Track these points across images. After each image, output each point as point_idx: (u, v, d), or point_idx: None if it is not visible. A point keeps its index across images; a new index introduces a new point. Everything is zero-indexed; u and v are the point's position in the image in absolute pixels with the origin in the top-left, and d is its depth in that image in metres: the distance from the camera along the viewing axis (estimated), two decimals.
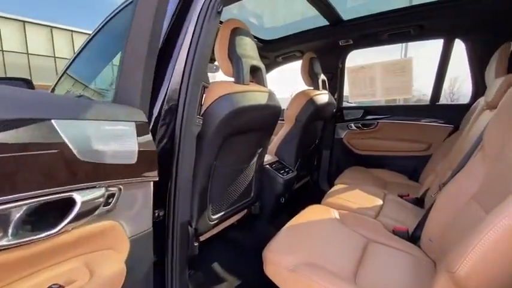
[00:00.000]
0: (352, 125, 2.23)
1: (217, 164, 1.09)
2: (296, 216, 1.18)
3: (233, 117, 0.98)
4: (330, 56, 2.15)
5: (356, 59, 2.29)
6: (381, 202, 1.36)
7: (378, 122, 2.11)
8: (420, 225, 1.06)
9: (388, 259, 0.93)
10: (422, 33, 1.72)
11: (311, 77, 1.85)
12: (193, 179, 0.94)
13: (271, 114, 1.22)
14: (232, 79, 1.07)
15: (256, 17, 2.08)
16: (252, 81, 1.21)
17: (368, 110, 2.18)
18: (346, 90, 2.29)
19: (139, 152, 0.62)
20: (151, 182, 0.67)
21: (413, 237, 1.06)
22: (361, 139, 2.22)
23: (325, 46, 2.06)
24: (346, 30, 1.82)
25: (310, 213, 1.21)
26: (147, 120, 0.66)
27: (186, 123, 0.82)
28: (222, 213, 1.24)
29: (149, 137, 0.67)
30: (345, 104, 2.37)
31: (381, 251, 0.97)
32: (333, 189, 1.53)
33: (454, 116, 1.83)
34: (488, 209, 0.75)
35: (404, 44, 6.21)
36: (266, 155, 1.83)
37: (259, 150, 1.39)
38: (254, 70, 1.18)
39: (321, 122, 2.08)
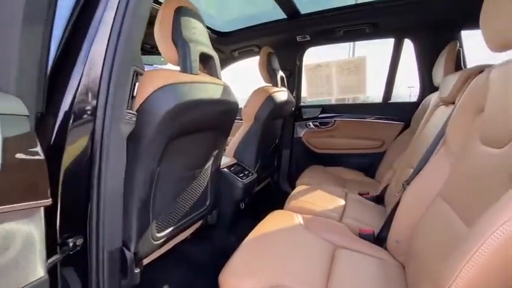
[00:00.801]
0: (311, 123, 2.20)
1: (161, 170, 0.90)
2: (257, 226, 1.05)
3: (178, 114, 0.80)
4: (287, 52, 2.08)
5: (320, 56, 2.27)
6: (343, 202, 1.31)
7: (335, 120, 2.12)
8: (386, 226, 1.02)
9: (357, 266, 0.85)
10: (376, 32, 1.75)
11: (269, 74, 1.74)
12: (127, 192, 0.74)
13: (226, 110, 1.07)
14: (178, 68, 0.89)
15: (210, 7, 1.91)
16: (204, 72, 1.04)
17: (325, 109, 2.17)
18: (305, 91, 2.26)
19: (6, 163, 0.41)
20: (42, 208, 0.45)
21: (380, 239, 1.01)
22: (319, 138, 2.20)
23: (283, 41, 1.98)
24: (303, 25, 1.76)
25: (273, 221, 1.09)
26: (27, 113, 0.44)
27: (110, 120, 0.62)
28: (171, 228, 1.04)
29: (30, 138, 0.46)
30: (303, 103, 2.33)
31: (349, 258, 0.89)
32: (294, 191, 1.44)
33: (404, 113, 1.91)
34: (456, 206, 0.72)
35: (352, 46, 6.58)
36: (223, 157, 1.67)
37: (215, 153, 1.22)
38: (205, 59, 1.01)
39: (280, 120, 1.99)
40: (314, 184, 1.58)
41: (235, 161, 1.64)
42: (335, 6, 1.65)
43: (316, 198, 1.34)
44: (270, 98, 1.59)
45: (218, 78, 1.05)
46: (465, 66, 1.40)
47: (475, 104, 0.73)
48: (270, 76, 1.74)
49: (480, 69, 0.89)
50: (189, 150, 1.02)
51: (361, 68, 1.99)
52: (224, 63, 2.35)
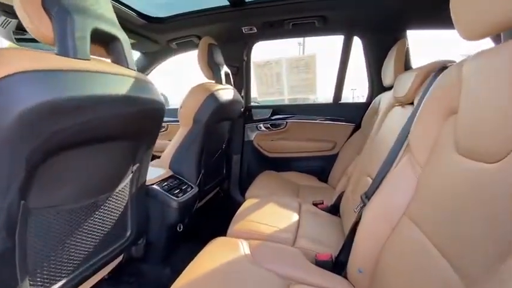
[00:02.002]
0: (262, 125, 2.02)
1: (30, 204, 0.59)
2: (192, 262, 0.81)
3: (50, 115, 0.52)
4: (233, 45, 1.86)
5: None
6: (296, 217, 1.14)
7: (286, 122, 1.97)
8: (345, 248, 0.87)
9: None
10: (325, 27, 1.64)
11: (211, 68, 1.50)
12: None
13: (142, 112, 0.79)
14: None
15: None
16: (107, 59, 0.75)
17: (277, 109, 2.01)
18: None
19: None
20: None
21: (338, 265, 0.86)
22: (271, 141, 2.03)
23: (227, 32, 1.75)
24: (249, 15, 1.56)
25: (212, 253, 0.85)
26: None
27: None
28: (63, 282, 0.73)
29: None
30: (256, 103, 2.14)
31: None
32: (242, 208, 1.22)
33: (355, 114, 1.86)
34: (427, 230, 0.58)
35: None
36: (157, 169, 1.38)
37: (135, 167, 0.93)
38: (106, 39, 0.72)
39: (228, 122, 1.76)
40: (265, 195, 1.39)
41: (171, 173, 1.35)
42: None
43: (266, 214, 1.14)
44: (211, 97, 1.35)
45: (129, 67, 0.77)
46: (410, 66, 1.36)
47: (445, 105, 0.61)
48: (212, 71, 1.50)
49: (442, 65, 0.79)
50: (84, 169, 0.71)
51: (311, 67, 1.88)
52: (161, 55, 2.02)
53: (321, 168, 1.92)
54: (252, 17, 1.58)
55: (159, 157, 1.45)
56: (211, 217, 1.86)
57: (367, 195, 0.85)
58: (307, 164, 1.95)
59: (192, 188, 1.33)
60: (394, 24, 1.55)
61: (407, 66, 1.31)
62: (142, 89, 0.77)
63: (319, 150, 1.93)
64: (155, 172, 1.31)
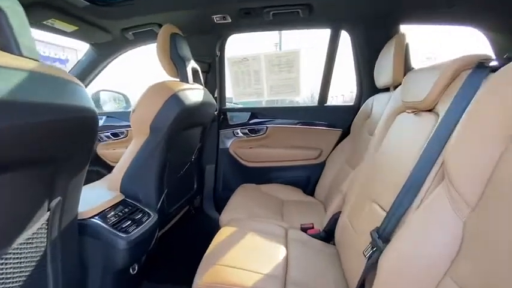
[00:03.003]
0: (239, 131, 1.76)
1: None
2: None
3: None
4: (203, 37, 1.58)
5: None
6: (283, 253, 0.90)
7: (267, 127, 1.73)
8: None
9: None
10: (310, 19, 1.42)
11: (174, 63, 1.21)
12: None
13: (56, 123, 0.51)
14: None
15: None
16: None
17: (255, 113, 1.76)
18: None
19: None
20: None
21: None
22: (250, 148, 1.78)
23: (196, 21, 1.47)
24: (221, 0, 1.29)
25: None
26: None
27: None
28: None
29: None
30: (234, 104, 1.87)
31: None
32: (215, 242, 0.96)
33: (342, 118, 1.66)
34: None
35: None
36: (105, 192, 1.08)
37: (54, 203, 0.63)
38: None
39: (199, 128, 1.48)
40: (244, 219, 1.14)
41: (122, 198, 1.05)
42: None
43: (245, 254, 0.88)
44: (174, 99, 1.07)
45: (33, 58, 0.48)
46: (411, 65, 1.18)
47: (507, 121, 0.40)
48: (175, 67, 1.21)
49: (477, 60, 0.59)
50: None
51: (295, 65, 1.66)
52: (115, 48, 1.68)
53: (306, 179, 1.71)
54: (225, 3, 1.31)
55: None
56: (181, 243, 1.57)
57: (381, 235, 0.63)
58: (291, 174, 1.72)
59: (149, 216, 1.04)
60: (386, 18, 1.37)
61: (407, 65, 1.12)
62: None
63: (304, 158, 1.72)
64: (100, 197, 1.01)
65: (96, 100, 2.12)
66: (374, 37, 1.43)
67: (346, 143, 1.55)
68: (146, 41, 1.64)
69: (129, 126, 1.83)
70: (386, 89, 1.32)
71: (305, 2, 1.28)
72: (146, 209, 1.07)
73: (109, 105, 2.28)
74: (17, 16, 0.49)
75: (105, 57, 1.72)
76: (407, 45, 1.12)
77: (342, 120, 1.66)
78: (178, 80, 1.23)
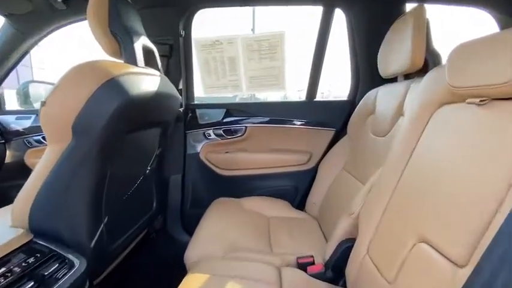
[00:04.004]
0: (211, 132, 1.43)
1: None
2: None
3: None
4: (162, 11, 1.22)
5: None
6: None
7: (246, 127, 1.42)
8: None
9: None
10: None
11: (116, 36, 0.85)
12: None
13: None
14: None
15: None
16: None
17: (231, 109, 1.44)
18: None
19: None
20: None
21: None
22: (225, 153, 1.45)
23: None
24: None
25: None
26: None
27: None
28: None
29: None
30: (198, 100, 1.52)
31: None
32: None
33: (334, 116, 1.41)
34: None
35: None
36: (3, 230, 0.70)
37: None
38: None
39: (157, 130, 1.12)
40: (219, 254, 0.82)
41: (30, 238, 0.68)
42: None
43: None
44: (112, 86, 0.71)
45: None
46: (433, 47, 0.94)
47: None
48: (117, 42, 0.85)
49: None
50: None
51: (278, 50, 1.36)
52: (40, 21, 1.25)
53: (294, 189, 1.42)
54: None
55: None
56: (137, 281, 1.21)
57: None
58: (276, 184, 1.43)
59: (72, 266, 0.67)
60: None
61: (429, 47, 0.88)
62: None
63: (291, 164, 1.43)
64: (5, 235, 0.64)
65: (25, 94, 1.65)
66: (375, 17, 1.18)
67: (342, 146, 1.28)
68: (84, 13, 1.23)
69: None
70: (390, 80, 1.08)
71: None
72: (69, 255, 0.70)
73: None
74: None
75: (28, 35, 1.28)
76: (428, 22, 0.88)
77: (334, 118, 1.40)
78: (122, 61, 0.87)
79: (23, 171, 1.52)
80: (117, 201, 0.91)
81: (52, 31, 1.32)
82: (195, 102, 1.46)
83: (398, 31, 0.95)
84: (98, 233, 0.81)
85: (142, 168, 1.06)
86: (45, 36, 1.32)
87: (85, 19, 1.32)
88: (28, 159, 1.53)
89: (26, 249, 0.65)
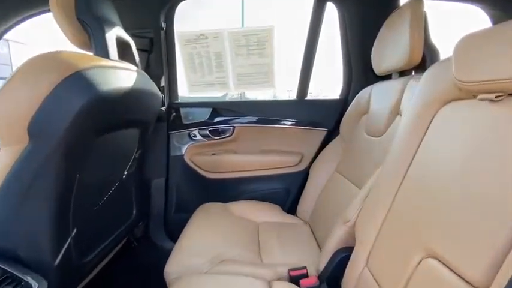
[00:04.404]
0: (197, 132, 1.34)
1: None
2: None
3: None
4: (140, 1, 1.13)
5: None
6: None
7: (234, 127, 1.34)
8: None
9: None
10: None
11: (84, 25, 0.76)
12: None
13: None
14: None
15: None
16: None
17: (218, 108, 1.36)
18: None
19: None
20: None
21: None
22: (212, 155, 1.37)
23: None
24: None
25: None
26: None
27: None
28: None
29: None
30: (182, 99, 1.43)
31: None
32: None
33: (325, 115, 1.35)
34: None
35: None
36: None
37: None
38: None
39: (136, 130, 1.03)
40: (202, 276, 0.74)
41: None
42: None
43: None
44: (76, 81, 0.62)
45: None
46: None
47: None
48: (85, 32, 0.76)
49: None
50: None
51: (267, 46, 1.29)
52: (9, 11, 1.13)
53: (284, 192, 1.36)
54: None
55: None
56: None
57: None
58: (266, 187, 1.36)
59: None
60: None
61: (427, 42, 0.83)
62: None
63: (281, 166, 1.36)
64: None
65: None
66: (369, 10, 1.13)
67: (335, 146, 1.23)
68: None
69: None
70: (384, 77, 1.03)
71: None
72: (26, 276, 0.61)
73: None
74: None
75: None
76: (425, 15, 0.83)
77: (326, 118, 1.34)
78: (91, 53, 0.77)
79: None
80: (88, 210, 0.82)
81: (19, 22, 1.19)
82: (179, 100, 1.37)
83: (393, 25, 0.90)
84: (63, 248, 0.71)
85: (118, 173, 0.96)
86: (11, 27, 1.20)
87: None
88: None
89: None
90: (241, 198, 1.32)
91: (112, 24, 0.83)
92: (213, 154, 1.37)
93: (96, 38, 0.76)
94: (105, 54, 0.77)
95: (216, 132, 1.34)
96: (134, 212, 1.15)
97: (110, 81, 0.71)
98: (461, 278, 0.39)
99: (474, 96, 0.48)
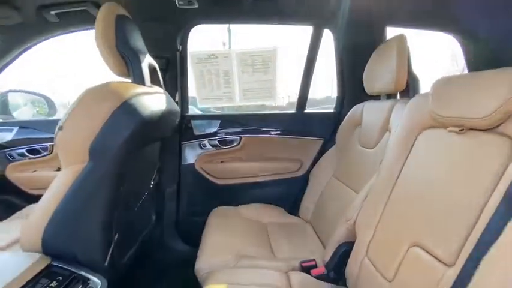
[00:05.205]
0: (207, 142, 1.46)
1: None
2: None
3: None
4: (160, 26, 1.24)
5: None
6: None
7: (241, 137, 1.47)
8: None
9: None
10: (291, 13, 1.21)
11: (123, 56, 0.87)
12: None
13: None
14: None
15: None
16: None
17: (226, 120, 1.49)
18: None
19: None
20: None
21: None
22: (221, 162, 1.50)
23: (151, 4, 1.13)
24: None
25: None
26: None
27: None
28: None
29: None
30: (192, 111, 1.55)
31: None
32: None
33: (322, 126, 1.52)
34: None
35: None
36: (16, 257, 0.70)
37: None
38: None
39: (157, 144, 1.15)
40: (230, 270, 0.87)
41: (48, 263, 0.69)
42: None
43: None
44: (127, 108, 0.74)
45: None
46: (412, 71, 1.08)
47: None
48: (124, 62, 0.87)
49: None
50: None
51: (271, 65, 1.44)
52: (29, 33, 1.21)
53: (287, 195, 1.51)
54: None
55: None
56: None
57: None
58: (271, 191, 1.51)
59: (96, 286, 0.69)
60: (374, 18, 1.26)
61: (409, 71, 1.01)
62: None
63: (284, 172, 1.52)
64: (8, 267, 0.64)
65: (3, 104, 1.56)
66: (359, 38, 1.30)
67: (331, 154, 1.39)
68: (76, 26, 1.21)
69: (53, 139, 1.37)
70: (373, 97, 1.21)
71: None
72: (87, 274, 0.72)
73: (24, 111, 1.71)
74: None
75: (14, 46, 1.23)
76: (408, 48, 1.01)
77: (322, 129, 1.51)
78: (129, 80, 0.89)
79: (3, 186, 1.44)
80: (125, 220, 0.93)
81: (39, 42, 1.27)
82: (190, 113, 1.49)
83: (382, 55, 1.07)
84: (109, 252, 0.82)
85: (147, 183, 1.08)
86: (32, 46, 1.28)
87: (75, 31, 1.31)
88: (9, 174, 1.45)
89: (47, 273, 0.66)
90: (247, 202, 1.46)
91: (143, 52, 0.95)
92: (222, 162, 1.50)
93: (134, 68, 0.88)
94: (142, 81, 0.89)
95: (224, 142, 1.47)
96: (153, 218, 1.27)
97: (148, 106, 0.83)
98: (437, 259, 0.56)
99: (445, 127, 0.65)
